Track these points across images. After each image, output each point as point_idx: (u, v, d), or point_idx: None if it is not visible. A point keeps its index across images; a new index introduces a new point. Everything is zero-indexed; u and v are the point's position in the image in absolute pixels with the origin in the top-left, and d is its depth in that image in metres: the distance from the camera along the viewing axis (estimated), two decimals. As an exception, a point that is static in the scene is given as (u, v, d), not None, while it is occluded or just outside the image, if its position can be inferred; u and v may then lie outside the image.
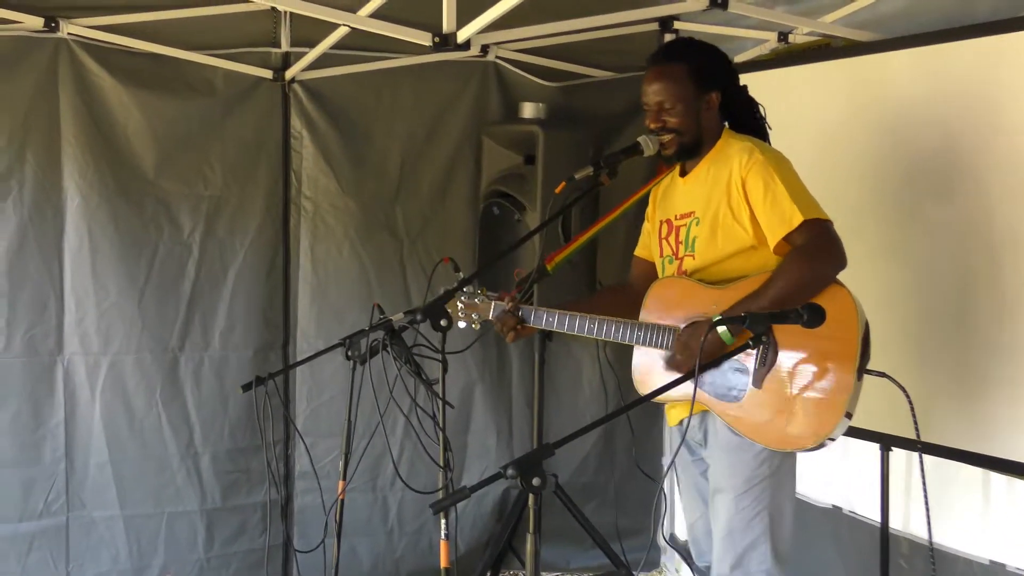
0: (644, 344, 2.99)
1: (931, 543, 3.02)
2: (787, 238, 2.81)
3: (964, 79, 3.24)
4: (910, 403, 2.88)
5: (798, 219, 2.78)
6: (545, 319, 3.11)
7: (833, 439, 2.75)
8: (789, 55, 4.04)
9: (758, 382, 2.80)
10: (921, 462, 2.98)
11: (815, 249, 2.78)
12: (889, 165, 3.51)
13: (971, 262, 3.24)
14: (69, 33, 4.06)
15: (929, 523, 3.01)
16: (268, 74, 4.39)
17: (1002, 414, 3.14)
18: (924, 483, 2.99)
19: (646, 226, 3.28)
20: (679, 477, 3.26)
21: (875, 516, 3.64)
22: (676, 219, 3.08)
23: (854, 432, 3.30)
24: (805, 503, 3.36)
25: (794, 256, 2.80)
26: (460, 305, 3.18)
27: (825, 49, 3.90)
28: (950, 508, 3.34)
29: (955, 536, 3.37)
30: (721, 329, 2.63)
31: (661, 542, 4.76)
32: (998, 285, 3.15)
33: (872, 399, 2.83)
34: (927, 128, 3.37)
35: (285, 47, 4.38)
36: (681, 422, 3.05)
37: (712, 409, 2.90)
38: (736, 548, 2.93)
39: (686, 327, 2.92)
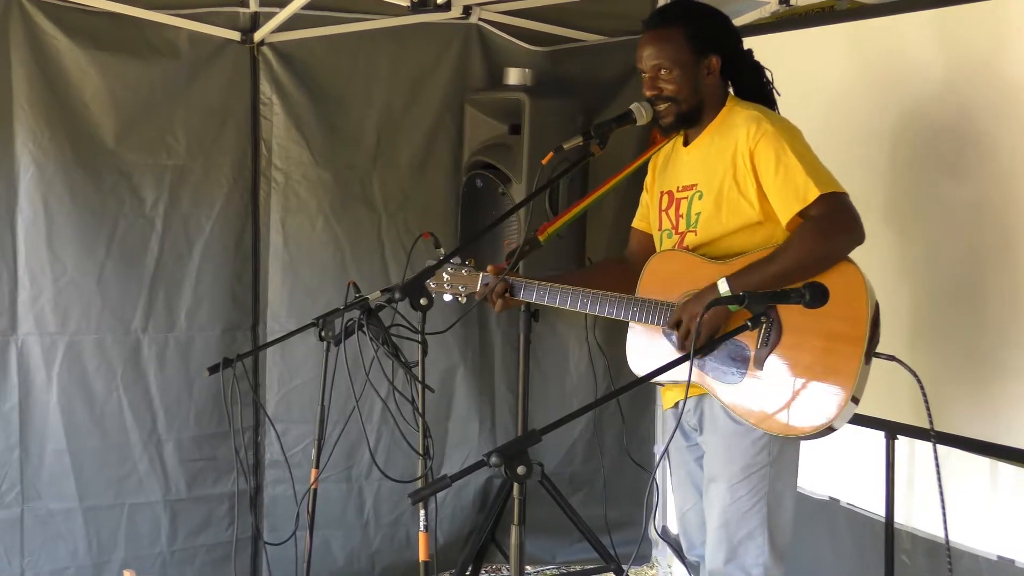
0: (640, 321, 2.98)
1: (947, 540, 3.02)
2: (801, 213, 2.79)
3: (981, 44, 3.23)
4: (922, 389, 2.86)
5: (813, 193, 2.76)
6: (536, 293, 3.10)
7: (837, 427, 2.74)
8: (790, 18, 4.03)
9: (759, 363, 2.79)
10: (935, 452, 2.97)
11: (832, 221, 2.76)
12: (897, 137, 3.49)
13: (984, 241, 3.23)
14: (21, -11, 4.01)
15: (945, 518, 3.00)
16: (236, 36, 4.33)
17: (1013, 402, 3.14)
18: (939, 475, 2.98)
19: (644, 196, 3.26)
20: (672, 464, 3.26)
21: (875, 508, 3.65)
22: (678, 191, 3.06)
23: (857, 419, 3.29)
24: (799, 495, 3.35)
25: (808, 227, 2.78)
26: (446, 276, 3.17)
27: (829, 12, 3.89)
28: (955, 500, 3.33)
29: (961, 530, 3.37)
30: (724, 289, 2.62)
31: (653, 535, 4.77)
32: (1012, 265, 3.15)
33: (876, 385, 2.82)
34: (938, 98, 3.35)
35: (254, 7, 4.32)
36: (677, 404, 3.04)
37: (708, 391, 2.89)
38: (731, 540, 2.92)
39: (687, 294, 2.89)
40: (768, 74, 3.09)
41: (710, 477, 2.99)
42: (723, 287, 2.73)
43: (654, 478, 3.80)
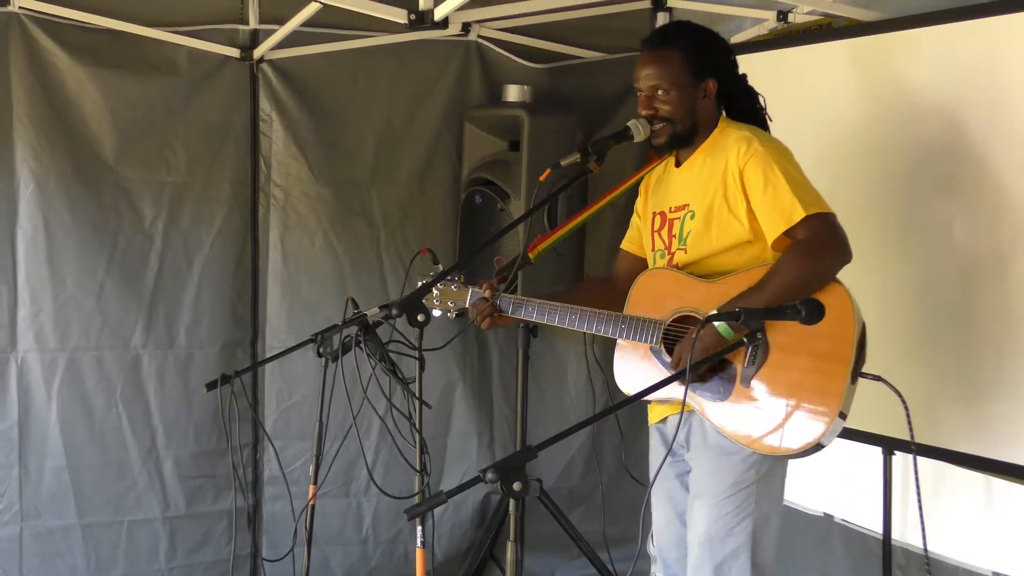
0: (628, 338, 3.00)
1: (926, 551, 3.03)
2: (787, 233, 2.81)
3: (975, 62, 3.26)
4: (904, 406, 2.89)
5: (799, 214, 2.78)
6: (524, 310, 3.12)
7: (824, 444, 2.75)
8: (789, 35, 4.05)
9: (745, 381, 2.80)
10: (915, 465, 2.98)
11: (818, 244, 2.78)
12: (892, 154, 3.52)
13: (977, 258, 3.26)
14: (21, 7, 4.03)
15: (924, 530, 3.02)
16: (235, 53, 4.37)
17: (1007, 417, 3.16)
18: (918, 488, 3.00)
19: (635, 219, 3.29)
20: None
21: (869, 524, 3.66)
22: (670, 211, 3.09)
23: (854, 435, 3.31)
24: (793, 510, 3.37)
25: (796, 250, 2.80)
26: (436, 292, 3.18)
27: (827, 29, 3.92)
28: (950, 516, 3.35)
29: (955, 545, 3.39)
30: (720, 324, 2.63)
31: (651, 551, 4.76)
32: (1006, 281, 3.17)
33: (873, 401, 2.84)
34: (934, 115, 3.38)
35: (253, 24, 4.36)
36: (665, 420, 3.06)
37: (696, 409, 2.91)
38: (715, 558, 2.93)
39: (684, 319, 2.90)
40: (761, 99, 3.11)
41: (696, 493, 3.00)
42: (722, 325, 2.71)
43: (651, 493, 3.80)
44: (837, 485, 3.84)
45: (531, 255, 3.29)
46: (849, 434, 2.86)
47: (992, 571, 3.34)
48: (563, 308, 3.08)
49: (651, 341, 2.96)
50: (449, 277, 3.21)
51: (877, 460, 3.48)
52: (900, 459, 3.46)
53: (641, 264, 3.21)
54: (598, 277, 3.67)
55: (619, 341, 3.07)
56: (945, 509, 3.28)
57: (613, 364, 3.11)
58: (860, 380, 2.78)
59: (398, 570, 4.65)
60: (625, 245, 3.32)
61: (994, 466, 3.20)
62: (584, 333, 3.16)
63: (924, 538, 3.02)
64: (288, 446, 4.45)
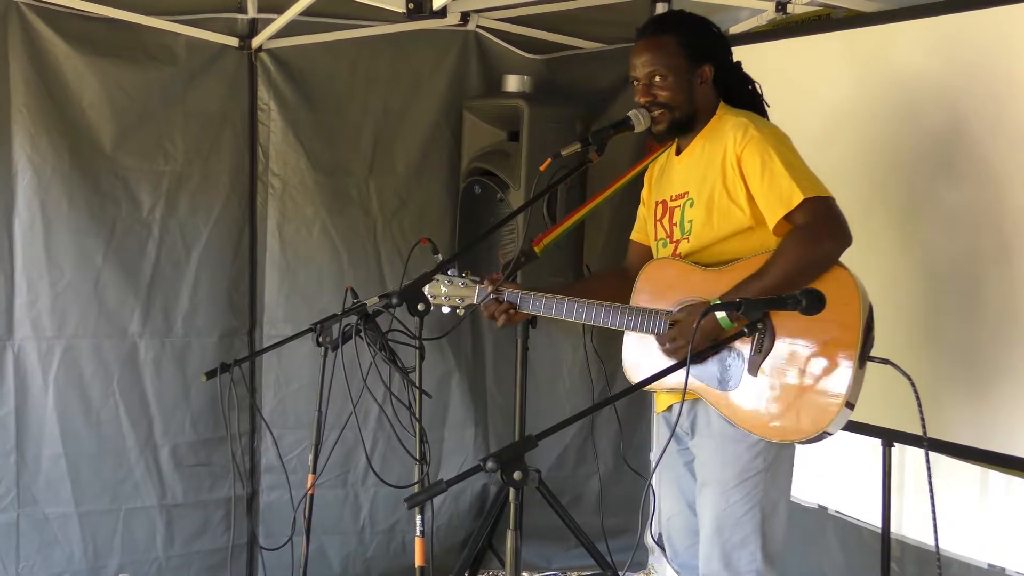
0: (635, 329, 2.99)
1: (937, 548, 3.02)
2: (787, 218, 2.81)
3: (977, 52, 3.25)
4: (916, 393, 2.87)
5: (797, 198, 2.78)
6: (532, 303, 3.11)
7: (832, 432, 2.75)
8: (787, 26, 4.04)
9: (753, 369, 2.80)
10: (927, 460, 2.97)
11: (817, 228, 2.78)
12: (894, 145, 3.51)
13: (981, 247, 3.25)
14: (19, -5, 4.03)
15: (936, 526, 3.01)
16: (234, 42, 4.36)
17: (1007, 408, 3.15)
18: (930, 482, 2.98)
19: (641, 209, 3.29)
20: (661, 467, 3.26)
21: (863, 516, 3.66)
22: (671, 200, 3.09)
23: (854, 426, 3.30)
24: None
25: (795, 236, 2.80)
26: (443, 289, 3.17)
27: (826, 20, 3.91)
28: (946, 507, 3.34)
29: (951, 538, 3.37)
30: (720, 315, 2.63)
31: (649, 542, 4.77)
32: (1008, 270, 3.17)
33: (873, 391, 2.84)
34: (936, 106, 3.37)
35: (252, 13, 4.34)
36: (670, 408, 3.06)
37: (704, 398, 2.91)
38: (724, 546, 2.93)
39: (681, 309, 2.91)
40: (757, 86, 3.11)
41: (703, 482, 3.00)
42: (721, 315, 2.70)
43: (650, 484, 3.79)
44: (832, 477, 3.84)
45: (536, 249, 3.28)
46: (848, 425, 2.85)
47: (987, 563, 3.34)
48: (571, 301, 3.07)
49: (658, 331, 2.95)
50: (457, 274, 3.19)
51: (872, 451, 3.48)
52: (895, 450, 3.45)
53: (651, 252, 3.21)
54: (610, 269, 3.66)
55: (627, 331, 3.06)
56: (940, 500, 3.27)
57: (622, 353, 3.10)
58: (868, 367, 2.77)
59: (394, 560, 4.65)
60: (634, 236, 3.32)
61: (995, 458, 3.20)
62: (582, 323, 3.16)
63: (936, 534, 2.99)
64: (286, 435, 4.45)
